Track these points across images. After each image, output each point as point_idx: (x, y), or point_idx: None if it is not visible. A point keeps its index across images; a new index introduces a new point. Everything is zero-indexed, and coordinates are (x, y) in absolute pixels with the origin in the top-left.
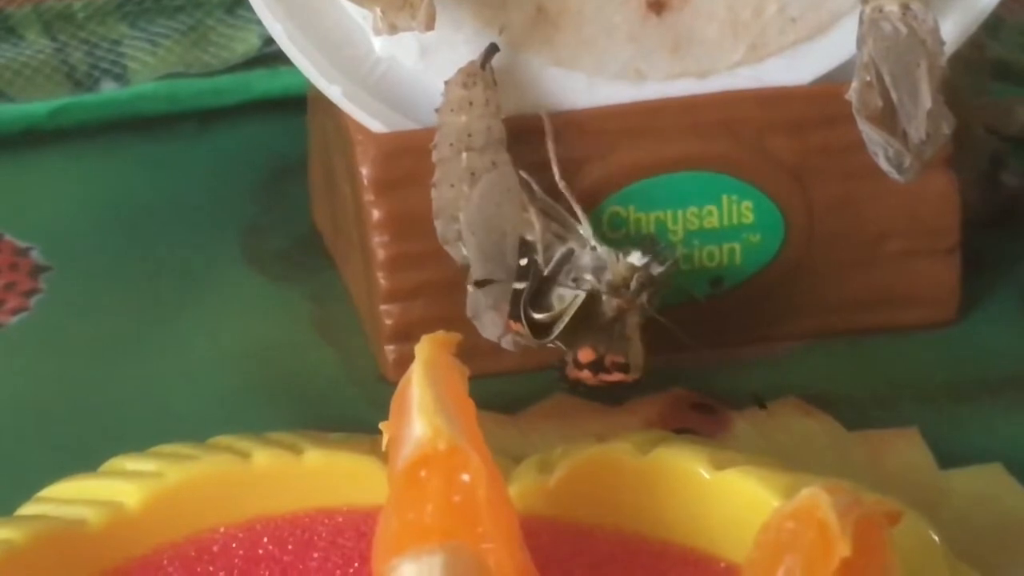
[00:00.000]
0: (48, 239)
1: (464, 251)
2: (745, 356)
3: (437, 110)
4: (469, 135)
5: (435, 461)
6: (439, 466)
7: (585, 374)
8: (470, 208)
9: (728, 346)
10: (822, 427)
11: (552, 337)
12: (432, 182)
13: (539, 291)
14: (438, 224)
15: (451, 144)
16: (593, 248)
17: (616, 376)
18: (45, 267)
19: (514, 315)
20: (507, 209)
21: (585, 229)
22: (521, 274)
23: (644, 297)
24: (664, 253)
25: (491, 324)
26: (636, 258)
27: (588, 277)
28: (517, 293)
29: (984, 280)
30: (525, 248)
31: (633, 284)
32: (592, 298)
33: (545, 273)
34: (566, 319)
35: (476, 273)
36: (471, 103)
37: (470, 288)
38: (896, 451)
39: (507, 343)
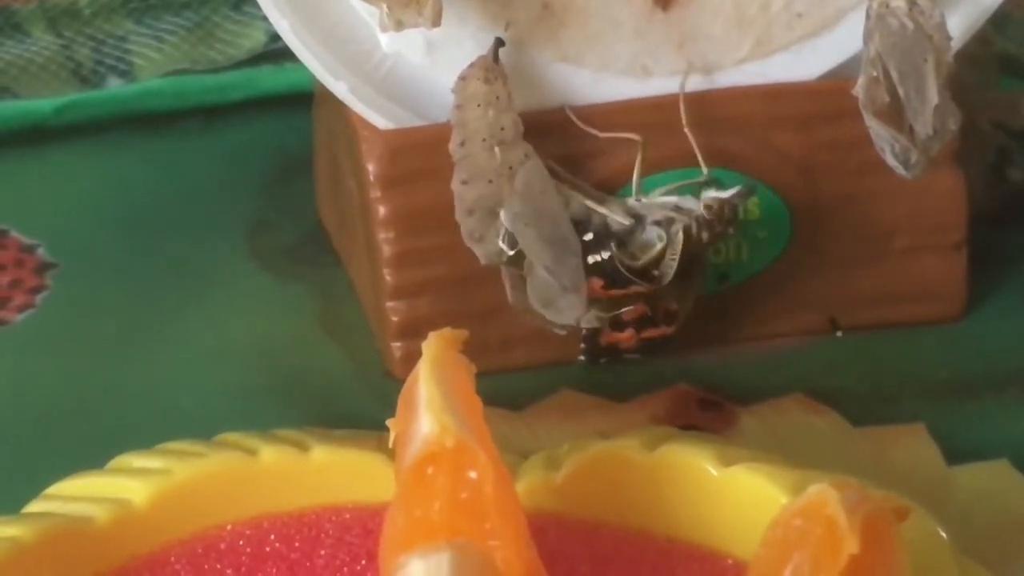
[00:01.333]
0: (54, 236)
1: (501, 246)
2: (751, 352)
3: (456, 106)
4: (502, 129)
5: (442, 458)
6: (446, 463)
7: (625, 334)
8: (516, 202)
9: (734, 342)
10: (828, 423)
11: (665, 278)
12: (461, 179)
13: (621, 246)
14: (469, 221)
15: (484, 140)
16: (639, 200)
17: (660, 331)
18: (51, 264)
19: (608, 280)
20: (550, 196)
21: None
22: (594, 246)
23: (730, 228)
24: (744, 183)
25: (570, 307)
26: (727, 192)
27: (672, 215)
28: (598, 264)
29: (990, 276)
30: (580, 226)
31: (728, 213)
32: (687, 236)
33: (618, 228)
34: (675, 254)
35: (543, 260)
36: (497, 97)
37: (542, 275)
38: (902, 447)
39: (588, 321)
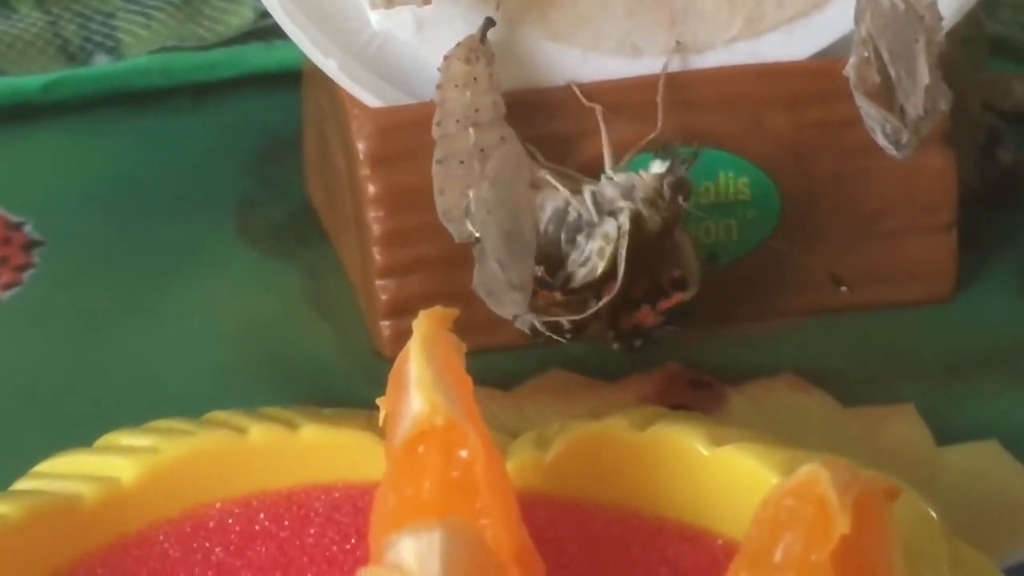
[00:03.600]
0: (41, 213)
1: (470, 228)
2: (741, 332)
3: (438, 86)
4: (476, 110)
5: (433, 437)
6: (437, 442)
7: (644, 314)
8: (484, 186)
9: (724, 322)
10: (818, 403)
11: (619, 278)
12: (437, 159)
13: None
14: (441, 200)
15: (457, 120)
16: (610, 179)
17: (675, 298)
18: (38, 242)
19: (552, 285)
20: (519, 187)
21: (608, 164)
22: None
23: (682, 200)
24: (683, 153)
25: (512, 304)
26: (658, 166)
27: (621, 204)
28: (552, 263)
29: (980, 257)
30: (556, 215)
31: (666, 191)
32: (635, 226)
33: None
34: (622, 252)
35: (497, 253)
36: (475, 78)
37: (493, 265)
38: (892, 427)
39: (522, 323)
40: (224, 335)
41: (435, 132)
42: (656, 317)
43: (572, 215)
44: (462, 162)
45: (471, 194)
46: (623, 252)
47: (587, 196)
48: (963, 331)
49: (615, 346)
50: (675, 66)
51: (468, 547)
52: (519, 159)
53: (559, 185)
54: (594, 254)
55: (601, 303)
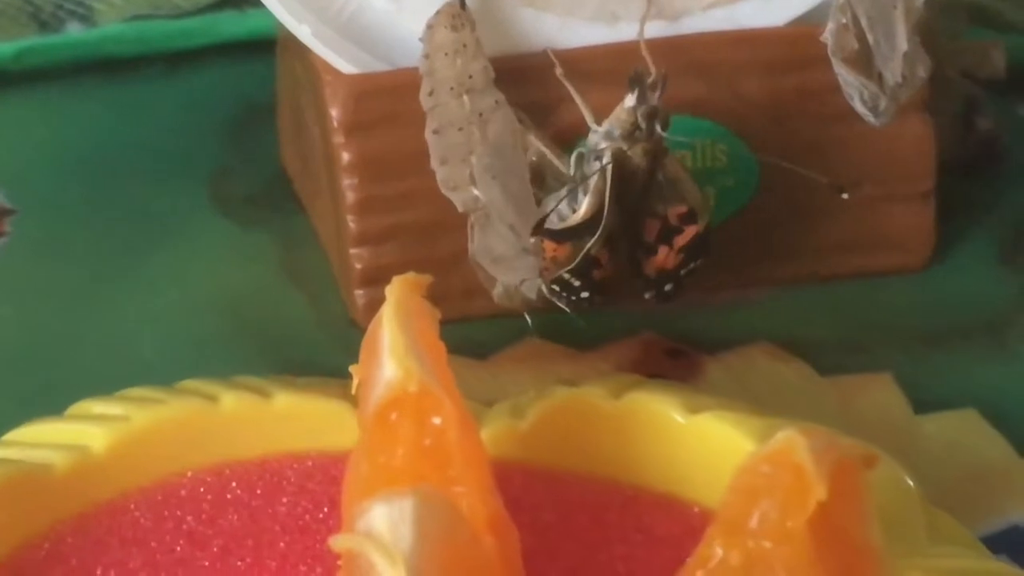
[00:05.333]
0: (13, 182)
1: (475, 193)
2: (718, 301)
3: (425, 55)
4: (470, 77)
5: (406, 404)
6: (410, 409)
7: (663, 255)
8: (486, 151)
9: (701, 291)
10: (795, 372)
11: (602, 226)
12: (432, 129)
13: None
14: (443, 170)
15: (451, 88)
16: (595, 131)
17: (690, 232)
18: (10, 210)
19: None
20: (518, 150)
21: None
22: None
23: (659, 127)
24: (652, 80)
25: (525, 268)
26: (628, 100)
27: (603, 145)
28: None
29: (958, 225)
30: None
31: (641, 122)
32: (620, 164)
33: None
34: (607, 195)
35: (507, 218)
36: (465, 44)
37: (503, 231)
38: (870, 396)
39: (529, 288)
40: (198, 304)
41: (426, 102)
42: (676, 256)
43: (549, 174)
44: (461, 129)
45: (473, 160)
46: (610, 188)
47: (574, 157)
48: (941, 299)
49: (647, 295)
50: (653, 32)
51: (441, 514)
52: (513, 122)
53: (546, 148)
54: (583, 195)
55: (591, 243)
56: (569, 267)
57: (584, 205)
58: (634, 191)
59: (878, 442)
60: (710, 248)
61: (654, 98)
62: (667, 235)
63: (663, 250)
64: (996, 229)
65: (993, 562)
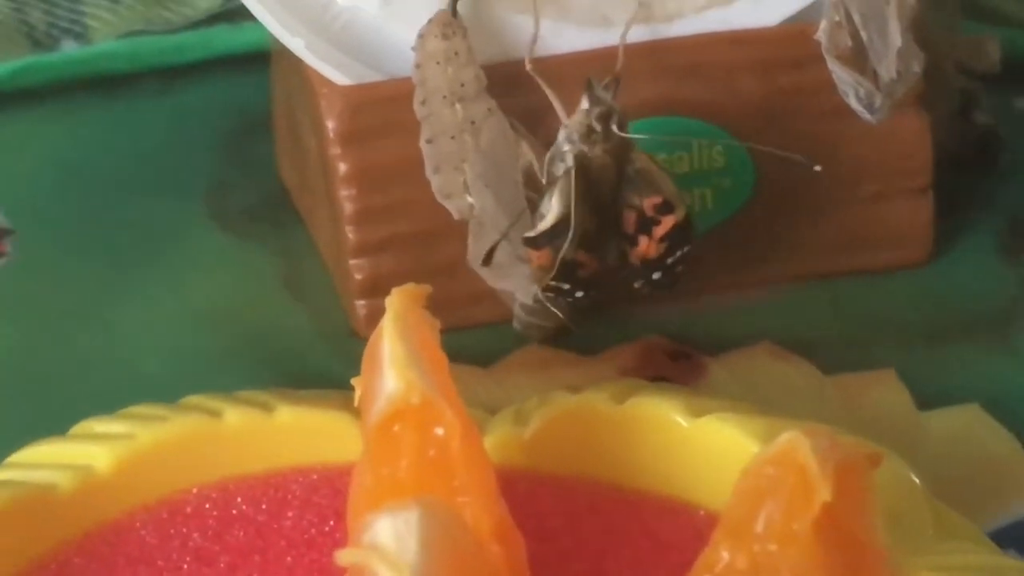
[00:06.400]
0: (10, 201)
1: (470, 201)
2: (719, 302)
3: (417, 65)
4: (462, 85)
5: (408, 415)
6: (413, 420)
7: (644, 245)
8: (479, 159)
9: (702, 292)
10: (798, 371)
11: (572, 230)
12: (426, 138)
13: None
14: (437, 179)
15: (444, 97)
16: (566, 126)
17: (668, 222)
18: (8, 230)
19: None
20: (511, 157)
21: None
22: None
23: (615, 124)
24: (602, 83)
25: (520, 275)
26: (583, 101)
27: (566, 148)
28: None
29: (957, 219)
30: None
31: (596, 124)
32: (584, 165)
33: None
34: (572, 199)
35: (501, 225)
36: (456, 53)
37: (497, 238)
38: (873, 394)
39: (526, 295)
40: (198, 318)
41: (419, 112)
42: (658, 246)
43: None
44: (453, 138)
45: (467, 168)
46: (575, 192)
47: (547, 158)
48: (942, 295)
49: (637, 284)
50: (647, 35)
51: (446, 525)
52: (505, 130)
53: (539, 156)
54: (551, 201)
55: (565, 246)
56: (552, 273)
57: (552, 209)
58: (607, 187)
59: (883, 440)
60: (693, 236)
61: (606, 98)
62: (645, 225)
63: (643, 240)
64: (995, 223)
65: (1001, 557)
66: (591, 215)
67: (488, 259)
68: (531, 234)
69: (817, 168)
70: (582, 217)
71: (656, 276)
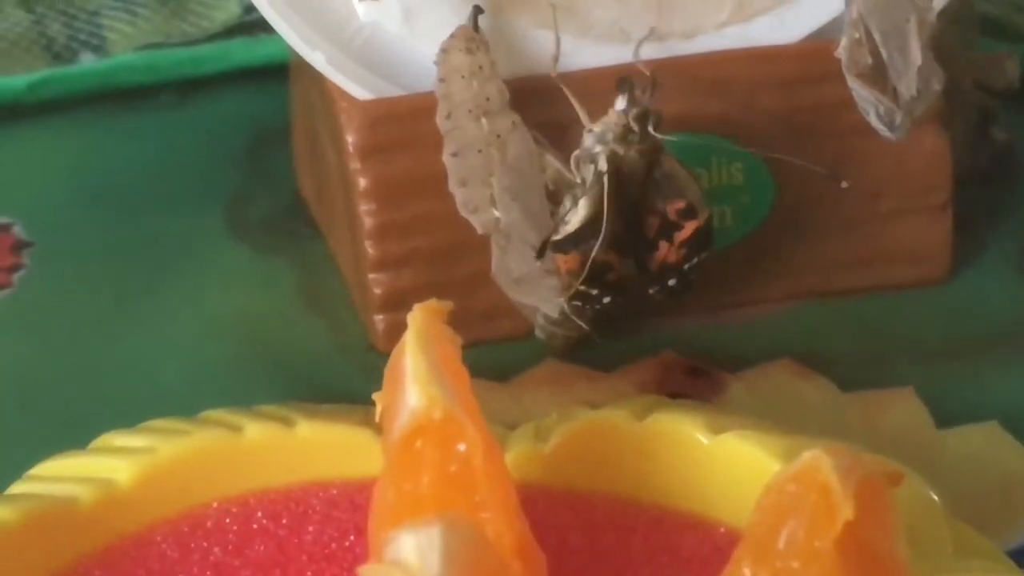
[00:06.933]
0: (30, 214)
1: (496, 215)
2: (737, 318)
3: (441, 79)
4: (487, 99)
5: (430, 431)
6: (434, 436)
7: (664, 250)
8: (506, 172)
9: (721, 309)
10: (816, 388)
11: (604, 230)
12: (451, 152)
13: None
14: (463, 192)
15: (469, 111)
16: (590, 131)
17: (690, 227)
18: (27, 243)
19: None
20: (536, 171)
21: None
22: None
23: (651, 126)
24: (639, 83)
25: (549, 289)
26: (619, 103)
27: (598, 149)
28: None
29: (975, 236)
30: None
31: (633, 124)
32: (616, 166)
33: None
34: (606, 199)
35: (529, 238)
36: (480, 67)
37: (526, 252)
38: (891, 411)
39: (552, 308)
40: (217, 332)
41: (444, 126)
42: (677, 251)
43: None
44: (480, 151)
45: (494, 182)
46: (608, 193)
47: (572, 160)
48: (961, 312)
49: (652, 290)
50: (667, 51)
51: (468, 541)
52: (530, 143)
53: (563, 167)
54: (578, 204)
55: (596, 246)
56: (581, 277)
57: (581, 210)
58: (633, 189)
59: (902, 457)
60: (712, 242)
61: (644, 99)
62: (667, 230)
63: (663, 245)
64: (1014, 240)
65: (1020, 575)
66: (618, 217)
67: (541, 253)
68: (558, 237)
69: (844, 184)
70: (612, 218)
71: (672, 282)
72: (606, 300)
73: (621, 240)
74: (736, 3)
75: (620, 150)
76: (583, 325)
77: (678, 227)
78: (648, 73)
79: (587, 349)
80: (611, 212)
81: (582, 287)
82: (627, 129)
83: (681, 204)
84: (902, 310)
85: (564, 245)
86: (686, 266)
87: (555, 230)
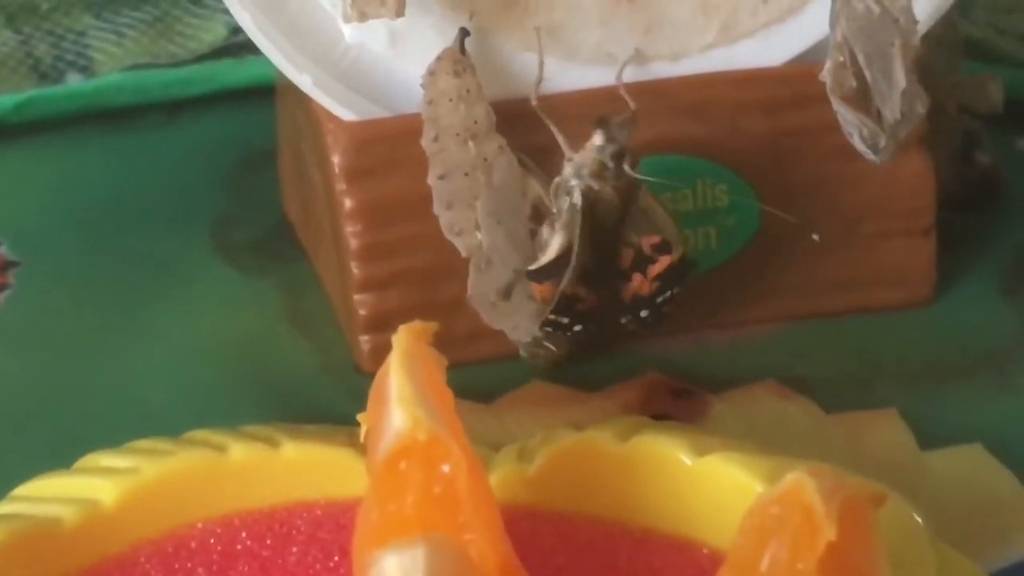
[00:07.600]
0: (16, 234)
1: (480, 238)
2: (721, 339)
3: (428, 102)
4: (475, 122)
5: (415, 452)
6: (419, 457)
7: (638, 282)
8: (491, 196)
9: (705, 330)
10: (800, 410)
11: (573, 264)
12: (438, 174)
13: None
14: (448, 215)
15: (457, 134)
16: (570, 160)
17: (664, 262)
18: (13, 262)
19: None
20: (519, 192)
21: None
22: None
23: (627, 164)
24: (618, 118)
25: (528, 313)
26: (597, 138)
27: (573, 182)
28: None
29: (959, 259)
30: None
31: (609, 162)
32: (590, 202)
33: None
34: (576, 231)
35: (512, 262)
36: (468, 90)
37: (507, 276)
38: (875, 433)
39: (525, 332)
40: (203, 352)
41: (430, 148)
42: (651, 284)
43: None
44: (466, 174)
45: (478, 205)
46: (580, 228)
47: (552, 188)
48: (944, 334)
49: (624, 320)
50: (651, 74)
51: (452, 563)
52: (515, 166)
53: (544, 194)
54: (554, 234)
55: (565, 281)
56: (551, 307)
57: (555, 242)
58: (609, 222)
59: (885, 479)
60: (686, 278)
61: (622, 137)
62: (641, 263)
63: (637, 278)
64: (997, 263)
65: None
66: (591, 250)
67: (507, 294)
68: (533, 267)
69: (815, 237)
70: (584, 252)
71: (644, 314)
72: (576, 329)
73: (591, 274)
74: (721, 26)
75: (595, 185)
76: (554, 349)
77: (652, 261)
78: (631, 101)
79: (572, 369)
80: (582, 247)
81: (551, 316)
82: (603, 166)
83: (656, 239)
84: (886, 332)
85: (538, 276)
86: (659, 299)
87: (533, 258)
